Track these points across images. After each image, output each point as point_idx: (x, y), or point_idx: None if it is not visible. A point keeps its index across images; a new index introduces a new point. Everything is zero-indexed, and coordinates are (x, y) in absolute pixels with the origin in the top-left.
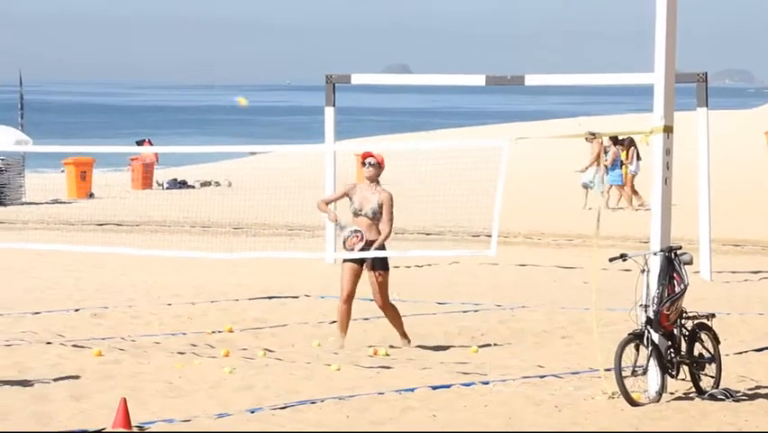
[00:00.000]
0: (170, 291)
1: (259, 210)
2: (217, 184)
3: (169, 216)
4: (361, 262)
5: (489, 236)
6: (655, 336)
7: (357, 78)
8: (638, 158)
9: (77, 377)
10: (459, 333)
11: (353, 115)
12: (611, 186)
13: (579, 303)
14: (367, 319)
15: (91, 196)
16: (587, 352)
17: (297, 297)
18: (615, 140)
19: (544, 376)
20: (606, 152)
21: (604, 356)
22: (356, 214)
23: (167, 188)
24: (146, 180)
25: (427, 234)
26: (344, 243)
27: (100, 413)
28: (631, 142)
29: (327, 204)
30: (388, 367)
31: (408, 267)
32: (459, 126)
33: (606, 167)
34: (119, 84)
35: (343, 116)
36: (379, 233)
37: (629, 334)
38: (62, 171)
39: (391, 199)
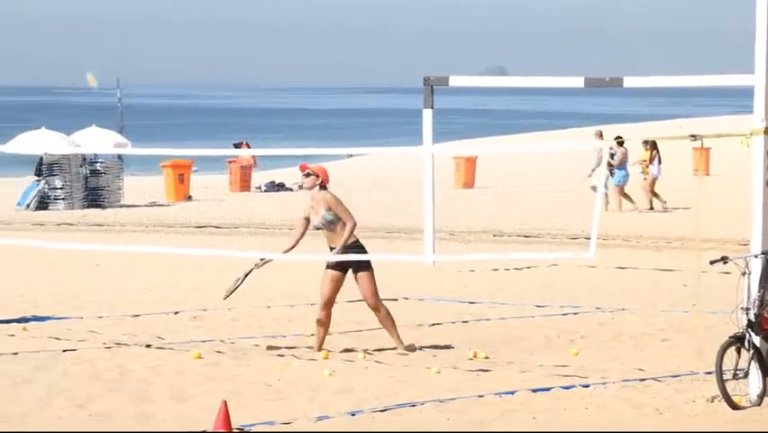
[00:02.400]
0: (269, 294)
1: (356, 213)
2: None
3: (267, 219)
4: (342, 267)
5: (588, 239)
6: (756, 339)
7: (455, 81)
8: (659, 161)
9: (177, 379)
10: (558, 336)
11: (451, 117)
12: (618, 186)
13: (678, 306)
14: (466, 322)
15: (189, 198)
16: (687, 355)
17: (395, 299)
18: (620, 142)
19: (644, 379)
20: (612, 155)
21: (704, 359)
22: (317, 228)
23: (264, 191)
24: (244, 183)
25: (526, 237)
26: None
27: (200, 416)
28: (654, 145)
29: (297, 240)
30: (488, 370)
31: (507, 269)
32: (557, 128)
33: (612, 166)
34: (219, 87)
35: (441, 118)
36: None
37: (730, 337)
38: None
39: (335, 198)
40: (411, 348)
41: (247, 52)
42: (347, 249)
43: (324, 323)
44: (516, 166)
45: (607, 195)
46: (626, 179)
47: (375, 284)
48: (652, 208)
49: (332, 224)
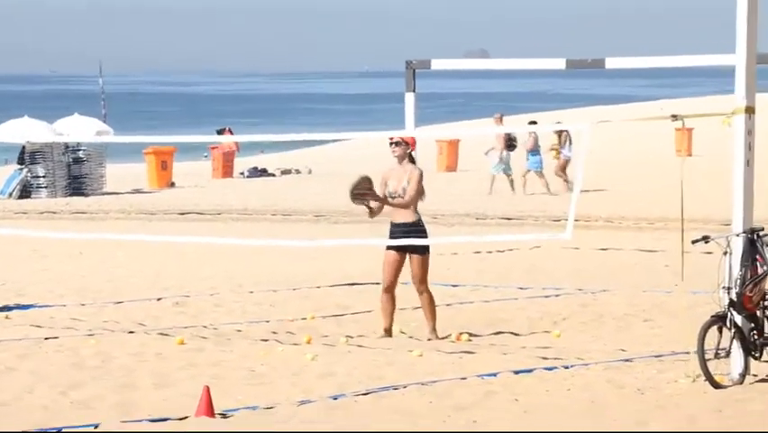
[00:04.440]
0: (252, 279)
1: (340, 197)
2: (297, 172)
3: (250, 205)
4: (402, 249)
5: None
6: (738, 318)
7: (437, 64)
8: (570, 142)
9: (159, 365)
10: (541, 317)
11: (433, 102)
12: (529, 171)
13: (660, 286)
14: (449, 305)
15: (172, 185)
16: (669, 335)
17: (378, 283)
18: (533, 123)
19: (627, 360)
20: (512, 139)
21: (686, 339)
22: (392, 196)
23: (247, 177)
24: (227, 169)
25: (509, 219)
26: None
27: (183, 401)
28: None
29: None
30: (471, 352)
31: (490, 252)
32: (539, 111)
33: (527, 151)
34: (200, 73)
35: (423, 103)
36: (414, 213)
37: (712, 316)
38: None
39: (420, 175)
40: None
41: (221, 38)
42: (409, 228)
43: (389, 305)
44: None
45: (509, 176)
46: (541, 163)
47: (426, 269)
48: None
49: None
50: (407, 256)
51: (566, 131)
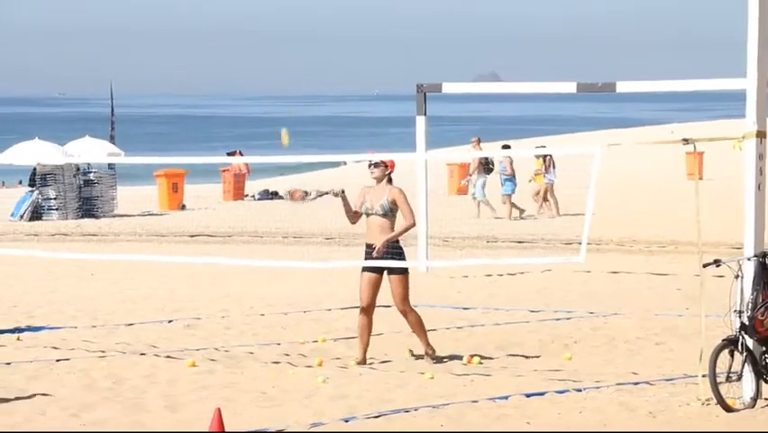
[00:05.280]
0: (263, 302)
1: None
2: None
3: (261, 227)
4: (380, 270)
5: (581, 243)
6: (750, 342)
7: (448, 87)
8: (554, 166)
9: (171, 388)
10: (552, 340)
11: (444, 125)
12: (509, 195)
13: (672, 310)
14: (460, 328)
15: (183, 207)
16: (681, 358)
17: (389, 306)
18: (506, 147)
19: (638, 383)
20: (489, 162)
21: (698, 362)
22: (367, 213)
23: (258, 199)
24: (237, 192)
25: (520, 242)
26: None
27: (195, 423)
28: (544, 154)
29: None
30: (482, 375)
31: (501, 275)
32: (551, 134)
33: (513, 175)
34: (212, 96)
35: (434, 126)
36: (390, 232)
37: (723, 340)
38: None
39: (402, 193)
40: (436, 357)
41: (233, 61)
42: (387, 248)
43: (366, 330)
44: None
45: (484, 202)
46: (514, 189)
47: (407, 288)
48: (553, 212)
49: (385, 216)
50: (389, 277)
51: (549, 155)
